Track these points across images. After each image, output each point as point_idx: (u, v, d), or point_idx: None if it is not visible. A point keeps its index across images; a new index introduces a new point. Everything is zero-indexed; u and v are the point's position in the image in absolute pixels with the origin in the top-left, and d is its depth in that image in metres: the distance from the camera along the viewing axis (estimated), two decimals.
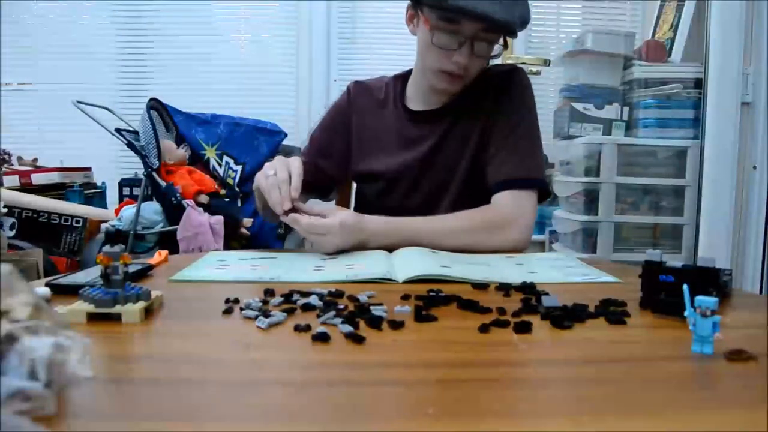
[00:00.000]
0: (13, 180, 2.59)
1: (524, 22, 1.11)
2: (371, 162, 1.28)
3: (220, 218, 2.34)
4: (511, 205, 1.12)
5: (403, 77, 1.31)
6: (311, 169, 1.20)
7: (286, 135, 2.80)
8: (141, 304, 0.60)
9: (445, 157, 1.22)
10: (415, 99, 1.27)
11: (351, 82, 1.35)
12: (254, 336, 0.56)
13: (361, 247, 1.02)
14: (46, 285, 0.70)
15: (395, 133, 1.27)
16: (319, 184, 1.29)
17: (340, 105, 1.33)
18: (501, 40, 1.13)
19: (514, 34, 1.13)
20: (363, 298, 0.68)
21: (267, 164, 1.05)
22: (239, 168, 2.74)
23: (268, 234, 2.71)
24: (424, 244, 1.01)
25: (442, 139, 1.22)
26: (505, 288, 0.75)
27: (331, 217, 0.98)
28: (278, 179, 0.99)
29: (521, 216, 1.12)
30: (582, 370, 0.48)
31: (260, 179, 1.05)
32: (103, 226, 2.43)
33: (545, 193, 1.20)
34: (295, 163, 1.03)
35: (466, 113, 1.22)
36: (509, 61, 2.49)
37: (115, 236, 2.32)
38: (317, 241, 0.99)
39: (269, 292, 0.71)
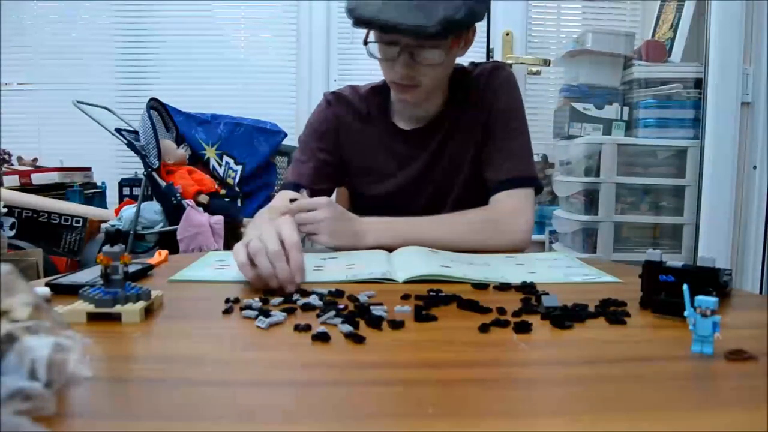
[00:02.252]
0: (13, 180, 2.58)
1: (449, 22, 0.98)
2: (363, 184, 1.25)
3: (220, 218, 2.34)
4: (511, 205, 1.12)
5: (381, 90, 1.25)
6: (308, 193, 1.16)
7: (286, 135, 2.80)
8: (141, 304, 0.60)
9: (441, 172, 1.21)
10: (401, 115, 1.23)
11: (328, 94, 1.29)
12: (254, 336, 0.56)
13: (356, 241, 1.01)
14: (46, 285, 0.70)
15: (385, 153, 1.23)
16: None
17: (325, 119, 1.25)
18: (444, 45, 1.05)
19: (437, 37, 0.99)
20: (363, 298, 0.68)
21: (249, 230, 1.03)
22: (239, 168, 2.74)
23: None
24: (425, 244, 1.01)
25: (435, 156, 1.20)
26: (505, 288, 0.75)
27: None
28: (270, 252, 0.73)
29: (522, 215, 1.12)
30: (582, 370, 0.48)
31: (241, 253, 0.75)
32: (103, 226, 2.43)
33: (538, 189, 1.19)
34: (287, 228, 0.77)
35: (457, 124, 1.20)
36: (509, 62, 2.49)
37: (115, 236, 2.32)
38: (308, 229, 0.98)
39: (269, 292, 0.71)
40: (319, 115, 1.27)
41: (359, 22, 1.00)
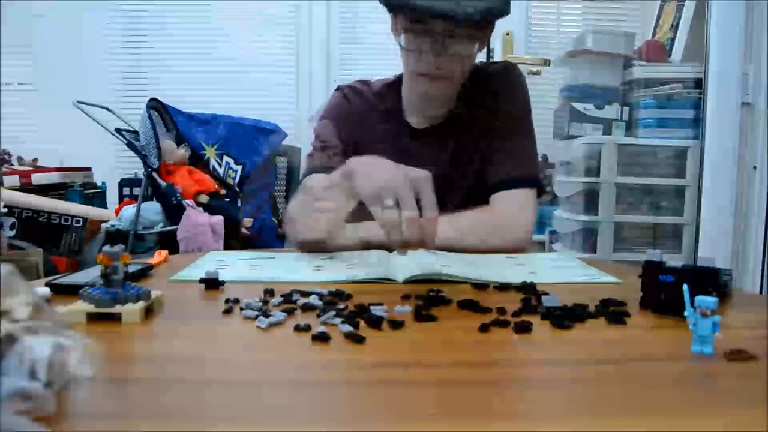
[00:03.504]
0: (13, 180, 2.59)
1: (491, 12, 1.05)
2: None
3: (220, 218, 2.34)
4: (513, 205, 1.12)
5: (394, 86, 1.25)
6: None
7: (286, 135, 2.80)
8: (141, 304, 0.60)
9: (450, 172, 1.20)
10: (413, 112, 1.23)
11: (345, 88, 1.29)
12: (254, 336, 0.56)
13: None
14: (46, 285, 0.70)
15: (396, 151, 1.19)
16: None
17: (342, 112, 1.26)
18: (478, 37, 1.10)
19: (478, 25, 1.06)
20: (363, 298, 0.68)
21: (379, 182, 0.82)
22: (239, 168, 2.74)
23: (268, 234, 2.71)
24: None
25: (446, 155, 1.20)
26: (505, 288, 0.75)
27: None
28: (408, 215, 0.77)
29: (524, 215, 1.12)
30: (582, 370, 0.48)
31: (376, 211, 0.80)
32: (103, 226, 2.43)
33: (540, 191, 1.19)
34: (423, 178, 0.82)
35: (468, 124, 1.20)
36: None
37: (115, 236, 2.32)
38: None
39: (269, 292, 0.71)
40: (336, 106, 1.27)
41: (397, 7, 1.03)
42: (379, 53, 2.81)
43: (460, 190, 1.21)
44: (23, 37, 2.98)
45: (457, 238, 1.04)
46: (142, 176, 2.41)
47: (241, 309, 0.63)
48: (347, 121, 1.24)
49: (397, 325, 0.58)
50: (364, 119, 1.24)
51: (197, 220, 2.29)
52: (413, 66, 1.12)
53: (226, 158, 2.75)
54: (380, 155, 1.21)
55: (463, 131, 1.20)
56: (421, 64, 1.10)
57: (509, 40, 2.61)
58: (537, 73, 2.63)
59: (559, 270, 0.90)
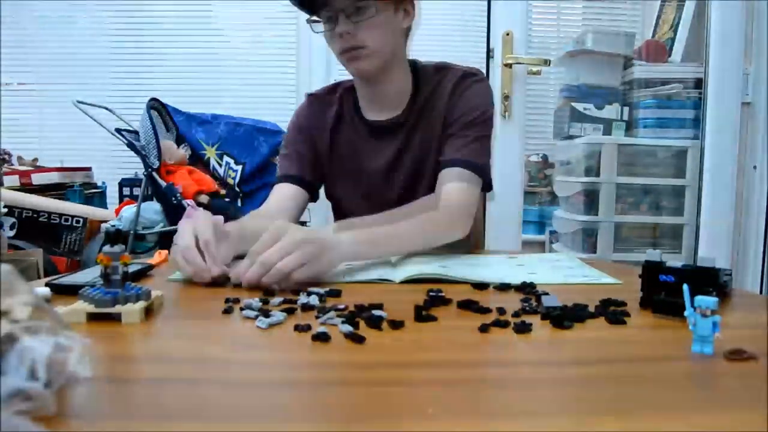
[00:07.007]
0: (13, 180, 2.58)
1: None
2: (338, 179, 1.25)
3: (220, 218, 2.34)
4: (457, 196, 1.08)
5: (354, 88, 1.25)
6: (302, 181, 1.21)
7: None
8: (141, 304, 0.60)
9: (410, 162, 1.20)
10: (368, 107, 1.23)
11: (311, 94, 1.30)
12: (254, 336, 0.56)
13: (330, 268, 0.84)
14: (46, 285, 0.70)
15: (357, 147, 1.24)
16: (312, 192, 1.25)
17: (302, 116, 1.28)
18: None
19: None
20: (363, 298, 0.68)
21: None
22: (239, 168, 2.74)
23: None
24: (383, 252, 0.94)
25: (404, 146, 1.20)
26: (505, 288, 0.75)
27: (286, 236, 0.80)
28: (183, 247, 0.83)
29: (466, 207, 1.09)
30: (582, 370, 0.48)
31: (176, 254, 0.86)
32: (103, 226, 2.43)
33: (486, 185, 1.17)
34: (201, 222, 0.89)
35: (423, 115, 1.19)
36: (509, 62, 2.49)
37: (115, 236, 2.32)
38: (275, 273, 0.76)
39: (269, 292, 0.71)
40: (298, 115, 1.30)
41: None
42: None
43: (421, 183, 1.20)
44: (23, 38, 2.98)
45: (413, 241, 0.98)
46: (142, 176, 2.41)
47: (241, 309, 0.63)
48: (310, 128, 1.26)
49: (397, 325, 0.58)
50: (325, 124, 1.25)
51: None
52: (334, 50, 1.13)
53: (226, 158, 2.74)
54: (344, 153, 1.23)
55: (417, 122, 1.19)
56: (336, 44, 1.10)
57: (509, 40, 2.60)
58: (537, 73, 2.63)
59: (559, 270, 0.90)
